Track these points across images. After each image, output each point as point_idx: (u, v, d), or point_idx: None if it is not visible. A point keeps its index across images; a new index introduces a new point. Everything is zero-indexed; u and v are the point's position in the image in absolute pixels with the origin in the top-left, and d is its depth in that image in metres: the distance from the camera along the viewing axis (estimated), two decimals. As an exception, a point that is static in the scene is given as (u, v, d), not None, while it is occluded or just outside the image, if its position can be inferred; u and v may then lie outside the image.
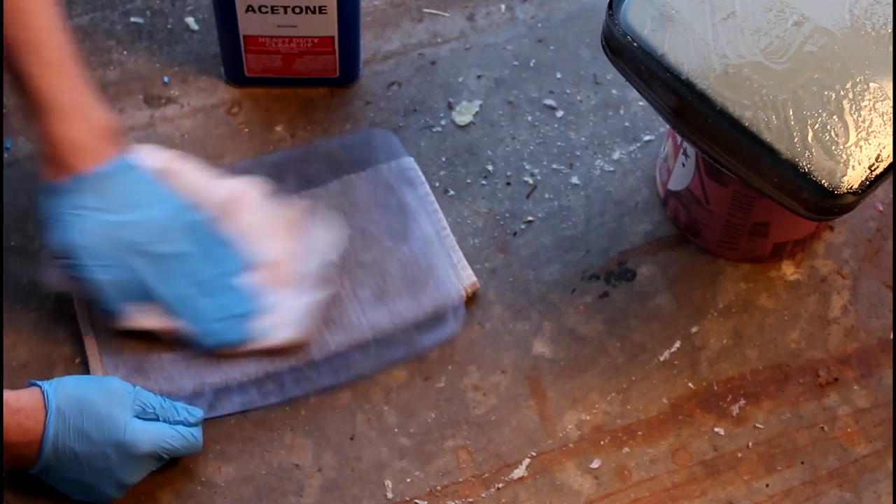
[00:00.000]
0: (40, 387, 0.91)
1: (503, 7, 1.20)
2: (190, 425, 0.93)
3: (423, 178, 1.08)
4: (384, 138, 1.10)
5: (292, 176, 1.07)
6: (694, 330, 1.03)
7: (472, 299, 1.03)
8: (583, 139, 1.12)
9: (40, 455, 0.89)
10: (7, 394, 0.89)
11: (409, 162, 1.09)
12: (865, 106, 0.88)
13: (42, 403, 0.89)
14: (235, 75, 1.14)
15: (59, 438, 0.89)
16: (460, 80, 1.15)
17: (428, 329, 1.01)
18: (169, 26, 1.18)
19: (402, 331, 1.00)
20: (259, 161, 1.09)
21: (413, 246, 1.04)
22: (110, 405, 0.90)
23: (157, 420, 0.92)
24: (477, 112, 1.14)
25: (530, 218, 1.08)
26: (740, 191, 0.99)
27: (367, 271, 1.03)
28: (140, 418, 0.91)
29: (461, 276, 1.03)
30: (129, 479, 0.92)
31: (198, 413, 0.94)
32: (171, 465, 0.95)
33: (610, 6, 0.92)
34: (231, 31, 1.09)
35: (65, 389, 0.91)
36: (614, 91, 1.15)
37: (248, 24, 1.08)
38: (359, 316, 1.01)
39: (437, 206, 1.07)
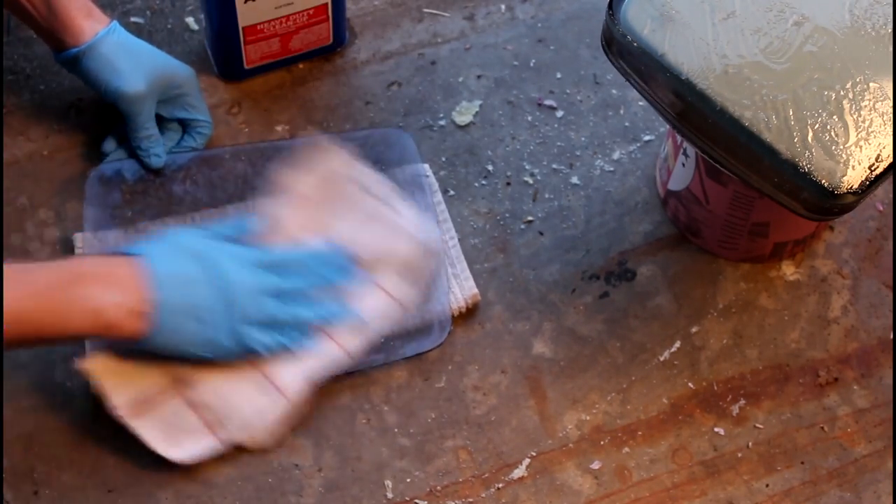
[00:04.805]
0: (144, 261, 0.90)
1: (503, 7, 1.21)
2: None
3: (437, 186, 1.08)
4: (400, 139, 1.09)
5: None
6: (694, 330, 1.03)
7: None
8: (583, 139, 1.12)
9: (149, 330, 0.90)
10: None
11: (424, 168, 1.09)
12: (865, 106, 0.88)
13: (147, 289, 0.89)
14: (233, 71, 1.14)
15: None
16: (460, 80, 1.15)
17: (411, 339, 1.00)
18: (169, 26, 1.18)
19: (384, 338, 0.99)
20: (273, 145, 1.09)
21: None
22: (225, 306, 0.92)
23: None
24: (477, 112, 1.14)
25: (530, 218, 1.08)
26: (740, 191, 0.99)
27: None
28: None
29: (463, 287, 1.03)
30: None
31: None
32: (172, 465, 0.95)
33: (610, 6, 0.92)
34: (230, 27, 1.09)
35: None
36: (614, 91, 1.15)
37: (247, 15, 1.08)
38: None
39: (448, 215, 1.06)
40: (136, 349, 0.93)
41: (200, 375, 0.95)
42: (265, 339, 0.94)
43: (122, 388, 0.94)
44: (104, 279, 0.89)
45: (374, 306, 0.99)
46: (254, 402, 0.95)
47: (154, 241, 0.94)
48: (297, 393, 0.95)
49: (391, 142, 1.09)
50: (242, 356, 0.94)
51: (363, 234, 1.01)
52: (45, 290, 0.87)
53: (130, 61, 1.04)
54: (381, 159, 1.08)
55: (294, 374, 0.96)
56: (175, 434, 0.94)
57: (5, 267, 0.86)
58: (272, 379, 0.95)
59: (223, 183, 1.07)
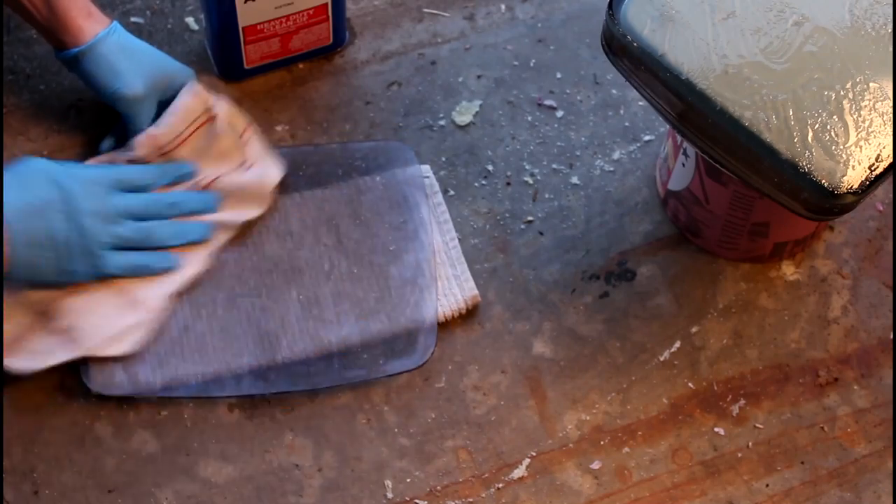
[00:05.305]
0: None
1: (503, 7, 1.20)
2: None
3: (438, 187, 1.08)
4: (401, 152, 1.09)
5: (304, 172, 1.07)
6: (694, 330, 1.03)
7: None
8: (583, 139, 1.12)
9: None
10: None
11: (425, 170, 1.08)
12: (865, 106, 0.88)
13: None
14: (233, 71, 1.14)
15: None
16: (460, 80, 1.15)
17: (394, 356, 0.99)
18: (169, 26, 1.18)
19: (368, 352, 0.99)
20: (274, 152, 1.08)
21: (417, 256, 1.03)
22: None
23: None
24: (477, 112, 1.14)
25: (530, 218, 1.08)
26: (740, 191, 0.99)
27: (354, 283, 1.02)
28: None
29: (463, 288, 1.03)
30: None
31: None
32: (171, 465, 0.95)
33: (610, 6, 0.92)
34: (230, 27, 1.09)
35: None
36: (614, 91, 1.15)
37: (247, 15, 1.08)
38: (329, 329, 1.00)
39: (448, 216, 1.06)
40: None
41: (62, 304, 0.97)
42: (120, 262, 0.98)
43: None
44: None
45: (219, 222, 1.04)
46: (116, 320, 0.98)
47: (8, 169, 0.95)
48: (159, 308, 0.99)
49: (392, 155, 1.08)
50: (97, 278, 0.98)
51: (217, 165, 1.05)
52: None
53: (129, 62, 1.04)
54: (381, 166, 1.08)
55: (155, 292, 0.99)
56: (35, 357, 0.96)
57: None
58: (134, 298, 0.98)
59: None
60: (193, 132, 1.05)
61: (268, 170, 1.06)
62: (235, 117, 1.07)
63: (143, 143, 1.03)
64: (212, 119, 1.05)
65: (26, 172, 0.96)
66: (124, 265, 0.98)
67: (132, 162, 1.04)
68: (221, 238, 1.03)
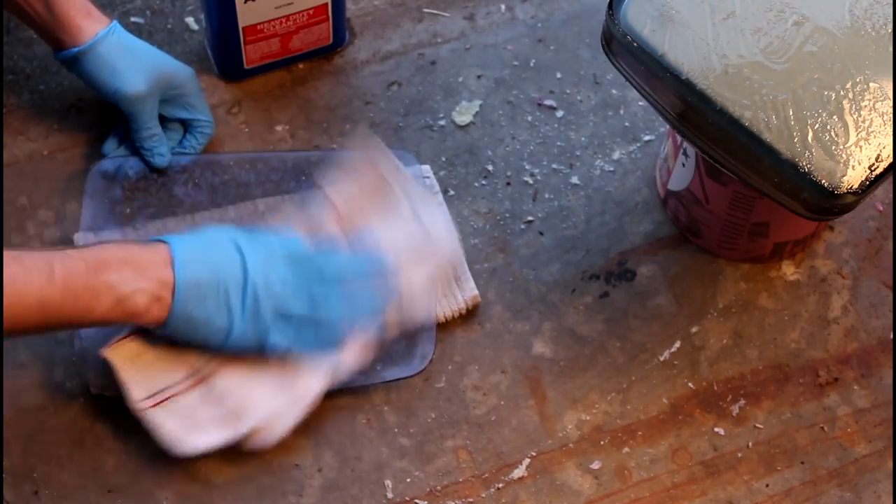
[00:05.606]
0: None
1: (503, 7, 1.21)
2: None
3: (438, 188, 1.08)
4: (401, 158, 1.07)
5: (306, 177, 1.07)
6: (694, 330, 1.03)
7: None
8: (583, 139, 1.12)
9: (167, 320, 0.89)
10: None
11: (426, 170, 1.08)
12: (865, 106, 0.88)
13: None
14: (233, 71, 1.14)
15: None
16: (460, 80, 1.15)
17: (392, 363, 0.99)
18: (169, 26, 1.18)
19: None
20: (277, 156, 1.08)
21: None
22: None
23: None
24: (477, 112, 1.14)
25: (530, 218, 1.08)
26: (740, 191, 0.99)
27: None
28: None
29: (463, 288, 1.03)
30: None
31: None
32: (172, 465, 0.95)
33: (610, 6, 0.92)
34: (230, 27, 1.09)
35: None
36: (614, 91, 1.15)
37: (247, 15, 1.08)
38: None
39: (448, 216, 1.06)
40: (157, 336, 0.92)
41: (220, 369, 0.93)
42: (284, 336, 0.92)
43: (141, 379, 0.92)
44: (129, 264, 0.87)
45: (393, 317, 0.97)
46: (271, 401, 0.93)
47: (184, 233, 0.93)
48: (312, 398, 0.94)
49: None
50: (258, 350, 0.92)
51: (399, 239, 0.98)
52: (69, 277, 0.85)
53: (130, 61, 1.03)
54: None
55: (313, 379, 0.94)
56: (187, 429, 0.92)
57: (26, 254, 0.85)
58: (292, 380, 0.94)
59: (225, 188, 1.07)
60: (367, 197, 1.00)
61: (436, 225, 0.99)
62: (409, 187, 1.01)
63: (323, 216, 0.99)
64: (384, 184, 1.01)
65: (201, 235, 0.92)
66: (287, 342, 0.92)
67: (317, 231, 0.98)
68: (393, 331, 0.96)
